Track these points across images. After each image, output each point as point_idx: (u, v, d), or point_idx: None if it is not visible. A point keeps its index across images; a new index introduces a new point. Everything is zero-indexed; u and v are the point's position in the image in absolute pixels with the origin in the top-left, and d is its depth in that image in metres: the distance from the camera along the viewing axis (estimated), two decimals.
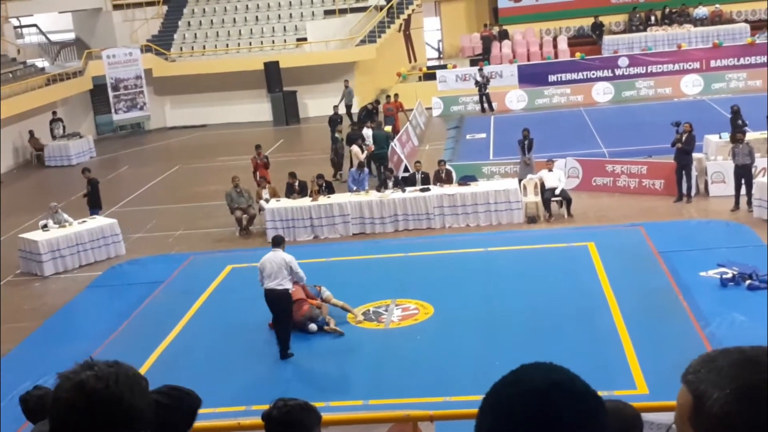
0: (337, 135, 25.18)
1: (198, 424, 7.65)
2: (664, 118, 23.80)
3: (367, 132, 24.50)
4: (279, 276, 12.62)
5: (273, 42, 36.88)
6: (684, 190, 19.09)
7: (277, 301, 12.75)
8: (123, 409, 1.86)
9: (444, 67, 36.52)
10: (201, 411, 11.77)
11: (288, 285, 12.73)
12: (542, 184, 19.15)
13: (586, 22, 38.85)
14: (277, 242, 13.13)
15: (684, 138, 18.84)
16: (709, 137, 21.68)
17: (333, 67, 35.20)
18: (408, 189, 19.60)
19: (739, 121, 21.20)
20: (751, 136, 19.76)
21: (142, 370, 12.98)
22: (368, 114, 28.20)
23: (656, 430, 5.81)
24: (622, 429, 3.38)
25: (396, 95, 29.76)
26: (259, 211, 19.99)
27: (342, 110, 30.45)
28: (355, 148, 22.71)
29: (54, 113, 32.42)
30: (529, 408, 1.56)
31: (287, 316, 12.95)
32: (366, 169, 20.64)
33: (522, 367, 1.65)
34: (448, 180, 19.88)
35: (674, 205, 18.97)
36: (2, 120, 28.72)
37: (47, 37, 38.97)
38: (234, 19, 38.38)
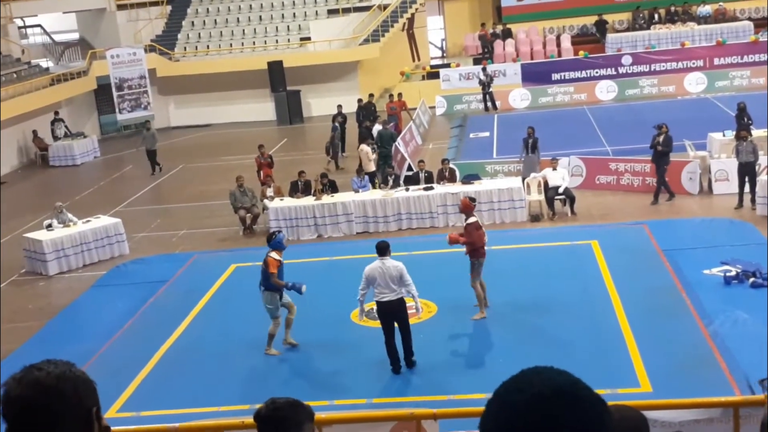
0: (336, 124, 25.88)
1: (202, 422, 7.67)
2: (668, 116, 23.76)
3: (377, 127, 24.55)
4: (391, 285, 11.94)
5: (276, 41, 36.91)
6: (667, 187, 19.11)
7: (394, 312, 12.02)
8: (52, 386, 2.00)
9: (447, 65, 36.52)
10: (205, 410, 11.80)
11: (402, 293, 12.00)
12: (546, 183, 19.16)
13: (590, 21, 38.83)
14: (383, 250, 12.12)
15: (662, 139, 18.84)
16: (713, 135, 21.67)
17: (337, 67, 35.25)
18: (411, 188, 19.60)
19: (745, 119, 21.18)
20: (754, 133, 19.74)
21: (147, 369, 13.07)
22: (366, 110, 28.19)
23: (660, 428, 5.82)
24: None
25: (399, 94, 29.76)
26: (263, 211, 20.02)
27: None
28: (365, 147, 22.56)
29: (56, 113, 32.45)
30: (534, 414, 1.56)
31: (405, 326, 12.15)
32: (366, 177, 20.55)
33: (523, 373, 1.65)
34: (452, 179, 19.90)
35: (678, 204, 18.94)
36: (7, 120, 28.79)
37: (51, 38, 39.00)
38: (238, 18, 38.41)
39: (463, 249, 13.80)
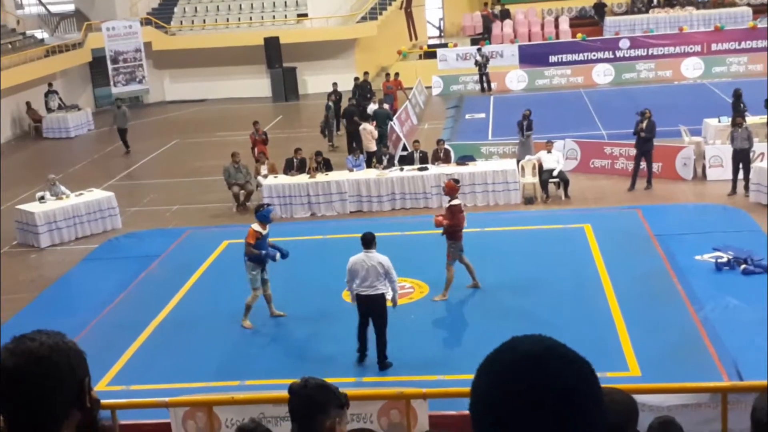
0: (329, 103, 25.82)
1: (192, 397, 7.67)
2: (664, 101, 23.77)
3: (372, 107, 24.44)
4: (373, 279, 11.55)
5: (273, 17, 36.74)
6: (635, 177, 19.08)
7: (373, 306, 11.63)
8: (45, 355, 2.00)
9: (445, 45, 36.42)
10: (195, 385, 11.77)
11: (384, 289, 11.59)
12: (540, 166, 19.15)
13: (588, 3, 38.73)
14: (368, 242, 11.70)
15: (645, 125, 18.81)
16: (708, 121, 21.68)
17: (333, 44, 35.11)
18: (406, 168, 19.58)
19: (741, 105, 21.17)
20: (750, 120, 19.74)
21: (138, 343, 13.07)
22: (362, 89, 28.05)
23: (648, 412, 5.84)
24: (618, 417, 3.38)
25: (396, 73, 29.67)
26: (256, 188, 19.99)
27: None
28: (368, 126, 22.41)
29: (50, 85, 32.29)
30: (525, 371, 1.59)
31: (381, 325, 11.69)
32: (361, 156, 20.54)
33: (514, 337, 1.69)
34: (447, 159, 19.87)
35: (671, 189, 18.97)
36: (1, 91, 28.65)
37: (47, 9, 38.75)
38: None
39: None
